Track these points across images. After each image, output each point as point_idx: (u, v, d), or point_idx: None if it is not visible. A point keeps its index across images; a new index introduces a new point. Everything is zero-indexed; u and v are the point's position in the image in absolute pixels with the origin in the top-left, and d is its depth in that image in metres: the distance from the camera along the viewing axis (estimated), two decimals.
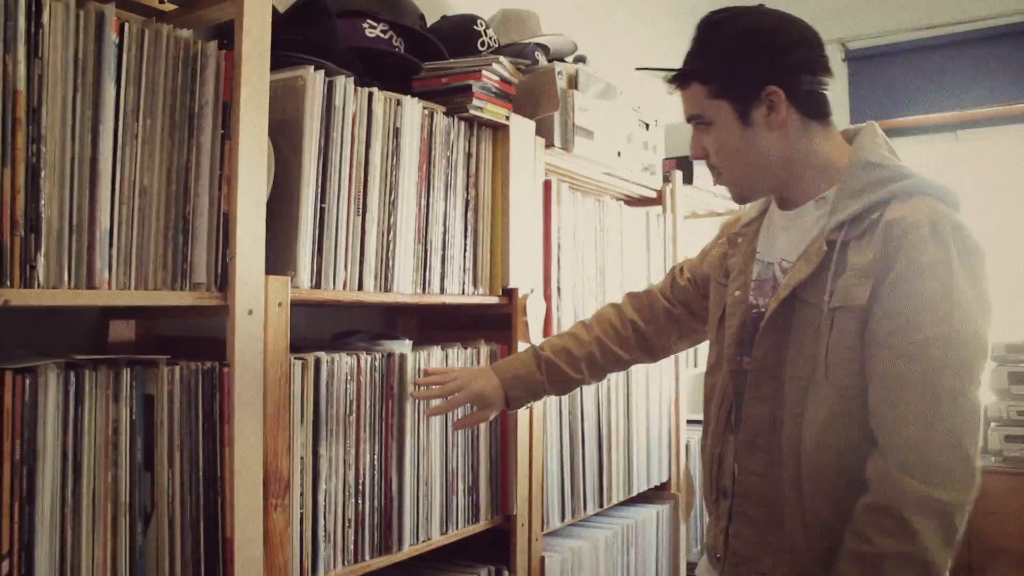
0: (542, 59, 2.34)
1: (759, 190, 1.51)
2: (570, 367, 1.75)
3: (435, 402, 1.71)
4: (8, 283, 1.08)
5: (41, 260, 1.11)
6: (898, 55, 4.25)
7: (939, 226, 1.28)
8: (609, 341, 1.79)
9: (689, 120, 1.49)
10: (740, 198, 1.55)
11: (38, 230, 1.11)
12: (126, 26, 1.22)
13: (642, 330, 1.81)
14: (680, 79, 1.47)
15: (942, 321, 1.25)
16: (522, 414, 1.95)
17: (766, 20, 1.42)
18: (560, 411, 2.14)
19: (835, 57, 4.42)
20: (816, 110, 1.41)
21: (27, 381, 1.10)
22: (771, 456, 1.40)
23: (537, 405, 1.99)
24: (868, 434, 1.30)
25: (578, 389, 2.04)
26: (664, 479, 2.69)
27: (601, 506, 2.32)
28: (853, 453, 1.30)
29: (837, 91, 4.22)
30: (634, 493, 2.49)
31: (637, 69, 1.62)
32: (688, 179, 2.93)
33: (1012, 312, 3.98)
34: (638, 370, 2.51)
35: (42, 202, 1.12)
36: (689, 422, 3.06)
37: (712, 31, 1.44)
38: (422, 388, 1.69)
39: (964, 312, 1.25)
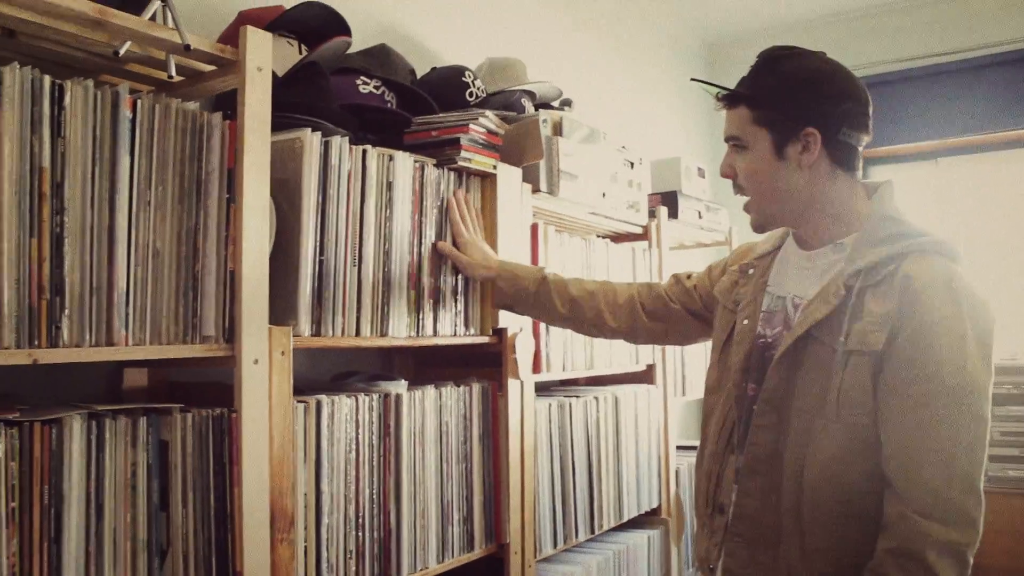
0: (528, 105, 2.46)
1: (777, 221, 1.60)
2: (559, 299, 1.94)
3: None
4: (36, 343, 1.19)
5: (65, 321, 1.22)
6: (880, 85, 4.37)
7: (953, 284, 1.39)
8: (603, 303, 1.95)
9: (727, 140, 1.59)
10: (758, 226, 1.62)
11: (62, 293, 1.22)
12: (138, 102, 1.33)
13: (638, 311, 1.94)
14: (731, 99, 1.57)
15: (956, 373, 1.34)
16: (513, 444, 2.05)
17: (823, 67, 1.52)
18: (551, 440, 2.24)
19: None
20: (845, 160, 1.52)
21: (53, 431, 1.21)
22: (770, 482, 1.48)
23: (528, 435, 2.10)
24: (874, 470, 1.38)
25: (568, 419, 2.25)
26: (655, 504, 2.79)
27: (592, 532, 2.41)
28: (856, 488, 1.39)
29: None
30: (625, 519, 2.59)
31: (692, 80, 1.73)
32: (673, 213, 3.04)
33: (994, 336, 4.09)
34: (627, 398, 2.62)
35: (65, 268, 1.23)
36: (679, 448, 3.16)
37: (772, 63, 1.55)
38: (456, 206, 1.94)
39: (974, 365, 1.35)
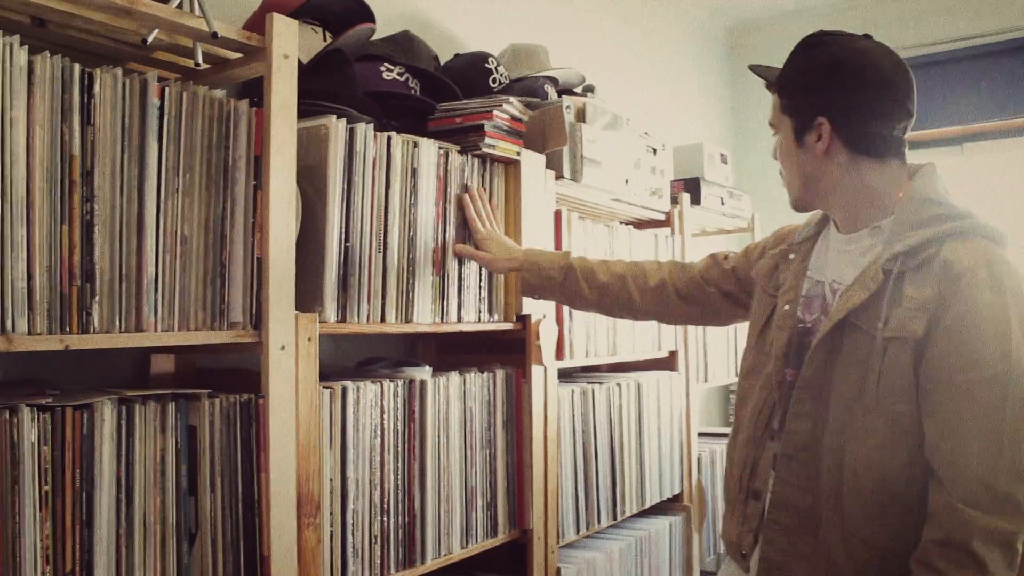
0: (551, 92, 2.45)
1: (809, 204, 1.60)
2: (587, 285, 1.93)
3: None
4: (68, 329, 1.20)
5: (96, 307, 1.24)
6: None
7: (995, 269, 1.36)
8: (633, 287, 1.93)
9: (771, 124, 1.62)
10: (794, 206, 1.62)
11: (92, 280, 1.24)
12: (166, 90, 1.34)
13: (670, 294, 1.92)
14: (770, 86, 1.60)
15: (1000, 360, 1.32)
16: (537, 430, 2.06)
17: (848, 55, 1.48)
18: (574, 427, 2.25)
19: None
20: (870, 148, 1.48)
21: (84, 416, 1.22)
22: (809, 470, 1.46)
23: (551, 422, 2.10)
24: (915, 458, 1.37)
25: (591, 405, 2.27)
26: (676, 491, 2.79)
27: (615, 518, 2.42)
28: (898, 476, 1.38)
29: None
30: (647, 505, 2.59)
31: (750, 67, 1.69)
32: (696, 200, 3.03)
33: None
34: (649, 385, 2.62)
35: (95, 254, 1.24)
36: (701, 434, 3.16)
37: (801, 51, 1.54)
38: (470, 201, 1.92)
39: (1019, 352, 1.32)
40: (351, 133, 1.65)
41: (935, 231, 1.41)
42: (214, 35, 1.37)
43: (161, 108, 1.33)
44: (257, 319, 1.44)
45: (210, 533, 1.37)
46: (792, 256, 1.66)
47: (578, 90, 2.67)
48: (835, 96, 1.47)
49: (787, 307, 1.59)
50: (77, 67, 1.23)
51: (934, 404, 1.35)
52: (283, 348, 1.45)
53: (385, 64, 2.01)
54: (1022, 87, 4.06)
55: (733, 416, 1.70)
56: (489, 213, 1.96)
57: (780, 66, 1.59)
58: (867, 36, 1.53)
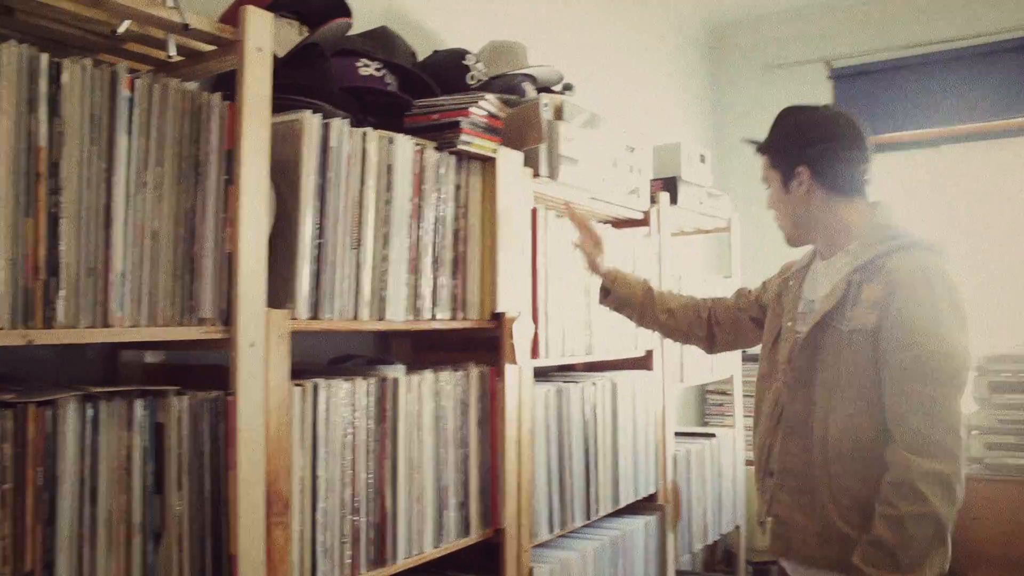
0: (530, 89, 2.44)
1: (800, 239, 1.99)
2: (660, 309, 2.31)
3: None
4: (31, 324, 1.18)
5: (61, 302, 1.22)
6: (881, 73, 4.36)
7: (928, 270, 1.74)
8: (693, 316, 2.32)
9: (763, 180, 2.02)
10: (788, 242, 2.02)
11: (58, 274, 1.22)
12: (137, 82, 1.32)
13: (714, 325, 2.31)
14: (759, 151, 2.02)
15: (933, 340, 1.70)
16: (511, 429, 2.05)
17: (816, 118, 1.94)
18: (548, 426, 2.24)
19: (820, 75, 4.53)
20: (839, 187, 1.89)
21: (48, 413, 1.20)
22: (805, 442, 1.84)
23: (525, 421, 2.10)
24: (879, 423, 1.74)
25: (566, 404, 2.32)
26: (652, 491, 2.79)
27: (589, 518, 2.42)
28: (868, 437, 1.75)
29: None
30: (621, 505, 2.59)
31: (743, 140, 2.15)
32: (674, 200, 3.03)
33: (993, 324, 4.09)
34: (624, 384, 2.62)
35: (61, 248, 1.22)
36: (677, 434, 3.16)
37: (781, 118, 2.00)
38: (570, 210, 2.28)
39: (947, 332, 1.71)
40: (326, 128, 1.63)
41: (885, 247, 1.81)
42: (186, 27, 1.35)
43: (131, 100, 1.32)
44: (227, 315, 1.42)
45: (176, 532, 1.35)
46: (792, 283, 2.05)
47: (557, 88, 2.66)
48: (809, 150, 1.89)
49: (790, 323, 1.97)
50: (45, 57, 1.21)
51: (886, 378, 1.73)
52: (253, 345, 1.43)
53: (362, 59, 1.99)
54: (999, 90, 4.09)
55: (753, 413, 2.11)
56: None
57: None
58: (827, 106, 2.01)
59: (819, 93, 4.53)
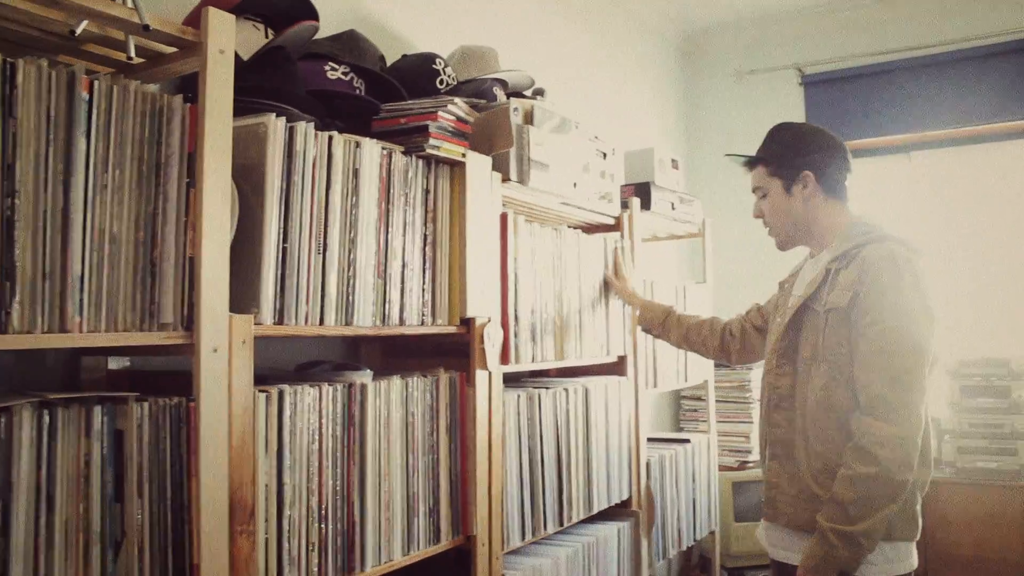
0: (500, 94, 2.43)
1: (793, 240, 2.21)
2: (676, 329, 2.67)
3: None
4: None
5: (16, 307, 1.19)
6: (852, 79, 4.39)
7: (895, 258, 1.93)
8: (708, 333, 2.61)
9: (754, 191, 2.23)
10: (780, 246, 2.25)
11: (12, 278, 1.19)
12: (96, 83, 1.30)
13: (727, 339, 2.57)
14: (751, 162, 2.24)
15: (897, 316, 1.89)
16: (481, 435, 2.04)
17: (808, 131, 2.21)
18: (519, 432, 2.23)
19: (792, 82, 4.56)
20: (833, 190, 2.13)
21: (2, 420, 1.18)
22: (789, 414, 2.06)
23: (496, 427, 2.09)
24: (848, 392, 1.94)
25: (537, 410, 2.31)
26: (625, 496, 2.78)
27: (561, 524, 2.40)
28: (841, 406, 1.94)
29: (795, 114, 4.37)
30: (594, 511, 2.58)
31: (726, 155, 2.52)
32: (646, 205, 3.03)
33: (963, 328, 4.12)
34: (597, 390, 2.61)
35: (16, 252, 1.20)
36: (650, 440, 3.15)
37: (775, 132, 2.23)
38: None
39: (912, 311, 1.90)
40: (291, 132, 1.62)
41: (861, 240, 2.02)
42: (146, 28, 1.33)
43: (90, 102, 1.29)
44: (189, 320, 1.40)
45: (136, 541, 1.32)
46: (785, 286, 2.29)
47: (528, 93, 2.66)
48: (811, 156, 2.13)
49: (779, 319, 2.19)
50: None
51: (857, 351, 1.92)
52: (216, 350, 1.41)
53: (329, 63, 1.98)
54: (967, 98, 4.13)
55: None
56: (630, 264, 2.85)
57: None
58: (808, 123, 2.31)
59: (790, 99, 4.56)
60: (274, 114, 1.60)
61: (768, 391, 2.14)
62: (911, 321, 1.89)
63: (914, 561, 1.99)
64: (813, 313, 2.02)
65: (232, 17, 1.46)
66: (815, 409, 1.98)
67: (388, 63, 2.29)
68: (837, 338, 1.96)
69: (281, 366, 2.00)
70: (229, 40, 1.45)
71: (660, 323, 2.69)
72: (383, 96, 2.04)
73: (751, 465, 4.10)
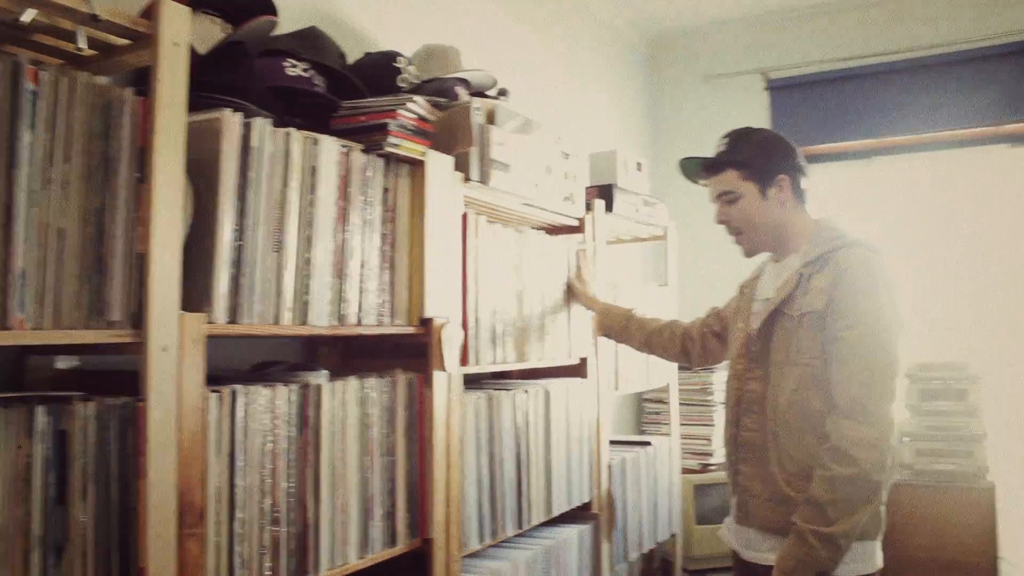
0: (463, 93, 2.41)
1: (762, 247, 2.22)
2: (638, 334, 2.70)
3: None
4: None
5: None
6: (817, 84, 4.42)
7: (869, 263, 1.98)
8: (668, 337, 2.65)
9: (719, 196, 2.20)
10: (748, 253, 2.25)
11: None
12: (42, 74, 1.26)
13: (687, 342, 2.60)
14: (718, 167, 2.20)
15: (872, 321, 1.93)
16: (439, 437, 2.02)
17: (775, 135, 2.24)
18: (478, 434, 2.21)
19: (757, 86, 4.58)
20: (801, 195, 2.18)
21: None
22: (760, 417, 2.07)
23: (455, 429, 2.07)
24: (823, 397, 1.96)
25: (497, 412, 2.30)
26: (586, 499, 2.77)
27: (521, 527, 2.38)
28: (811, 409, 1.97)
29: (761, 119, 4.39)
30: (555, 514, 2.57)
31: (682, 160, 2.36)
32: (610, 207, 3.02)
33: (923, 332, 4.16)
34: (558, 392, 2.60)
35: None
36: (612, 442, 3.15)
37: (743, 137, 2.20)
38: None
39: (885, 316, 1.94)
40: (247, 127, 1.59)
41: (832, 244, 2.05)
42: (95, 17, 1.30)
43: (35, 93, 1.26)
44: (138, 318, 1.37)
45: (80, 545, 1.29)
46: (745, 291, 2.31)
47: (491, 93, 2.64)
48: (787, 160, 2.16)
49: (741, 324, 2.23)
50: None
51: (832, 353, 1.96)
52: (165, 349, 1.38)
53: (289, 59, 1.95)
54: (928, 104, 4.17)
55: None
56: (591, 270, 2.80)
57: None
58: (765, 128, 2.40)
59: (755, 103, 4.58)
60: (230, 109, 1.57)
61: (736, 395, 2.16)
62: (885, 326, 1.94)
63: (879, 560, 2.03)
64: (786, 317, 2.04)
65: (187, 9, 1.42)
66: (787, 412, 2.01)
67: (350, 61, 2.27)
68: (811, 342, 1.99)
69: (237, 366, 1.96)
70: (184, 33, 1.42)
71: (621, 328, 2.71)
72: (344, 94, 2.02)
73: (713, 468, 4.10)
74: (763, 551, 2.06)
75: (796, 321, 2.02)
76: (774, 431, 2.03)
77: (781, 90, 4.51)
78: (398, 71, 2.23)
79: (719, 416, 4.16)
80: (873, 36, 4.32)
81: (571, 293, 2.74)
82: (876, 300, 1.95)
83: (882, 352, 1.93)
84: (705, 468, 4.10)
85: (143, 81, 1.49)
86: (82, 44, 1.38)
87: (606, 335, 2.80)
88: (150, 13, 1.41)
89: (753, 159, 2.16)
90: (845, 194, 4.52)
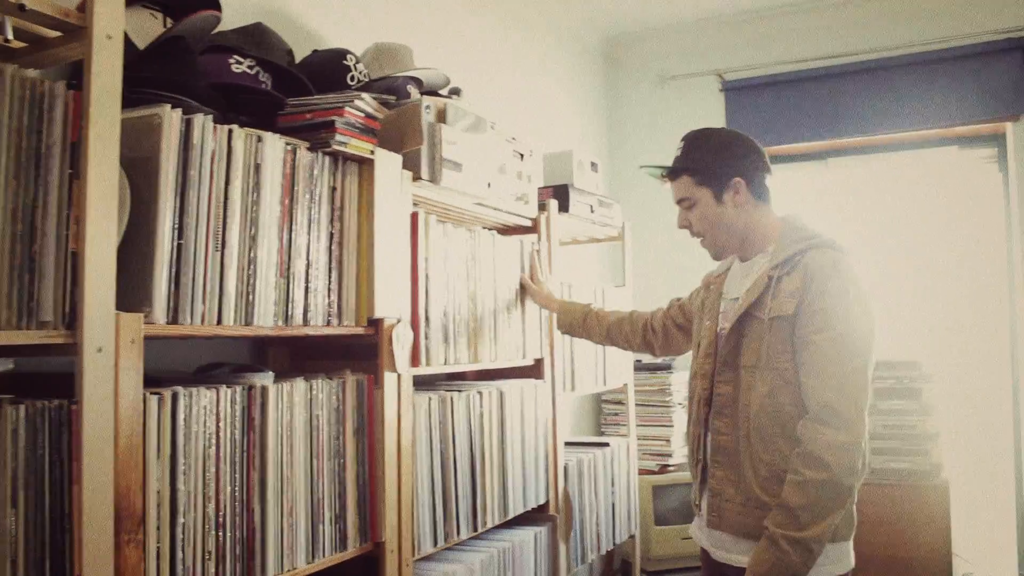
0: (415, 92, 2.39)
1: (728, 249, 2.20)
2: (599, 327, 2.70)
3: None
4: None
5: None
6: (771, 86, 4.44)
7: (838, 266, 1.96)
8: (628, 329, 2.66)
9: (679, 202, 2.20)
10: (715, 256, 2.24)
11: None
12: None
13: (649, 332, 2.62)
14: (674, 173, 2.19)
15: (842, 324, 1.90)
16: (390, 439, 1.99)
17: (731, 136, 2.19)
18: (431, 436, 2.18)
19: (712, 88, 4.60)
20: (762, 194, 2.14)
21: None
22: (732, 420, 2.05)
23: (406, 430, 2.04)
24: (795, 400, 1.94)
25: (450, 413, 2.28)
26: (542, 501, 2.75)
27: (475, 530, 2.36)
28: (785, 412, 1.95)
29: (716, 120, 4.41)
30: (510, 516, 2.54)
31: (641, 167, 2.34)
32: (564, 207, 3.01)
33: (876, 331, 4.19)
34: (512, 393, 2.58)
35: None
36: (568, 444, 3.13)
37: (697, 140, 2.18)
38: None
39: (855, 317, 1.92)
40: (187, 124, 1.55)
41: (800, 246, 2.02)
42: (21, 7, 1.26)
43: None
44: (71, 319, 1.33)
45: (10, 553, 1.24)
46: (712, 287, 2.29)
47: (444, 92, 2.62)
48: (741, 161, 2.12)
49: (708, 322, 2.20)
50: None
51: (803, 357, 1.93)
52: (100, 350, 1.34)
53: (235, 56, 1.92)
54: (882, 106, 4.21)
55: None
56: (546, 268, 2.82)
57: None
58: (725, 128, 2.35)
59: (711, 105, 4.60)
60: (169, 105, 1.53)
61: (704, 394, 2.14)
62: (856, 328, 1.91)
63: (851, 560, 2.03)
64: (756, 320, 2.02)
65: (121, 1, 1.39)
66: (760, 416, 1.98)
67: (298, 59, 2.24)
68: (782, 345, 1.96)
69: (181, 369, 1.92)
70: (117, 25, 1.38)
71: (580, 323, 2.70)
72: (292, 92, 1.99)
73: (672, 469, 4.11)
74: (736, 553, 2.04)
75: (766, 325, 1.99)
76: (746, 435, 2.01)
77: (736, 91, 4.53)
78: (348, 69, 2.20)
79: (678, 417, 4.16)
80: (828, 39, 4.35)
81: (527, 293, 2.73)
82: (846, 302, 1.92)
83: (854, 354, 1.90)
84: (664, 469, 4.10)
85: (75, 77, 1.46)
86: (8, 34, 1.35)
87: (567, 332, 2.79)
88: (84, 5, 1.38)
89: (705, 164, 2.14)
90: (800, 195, 4.56)
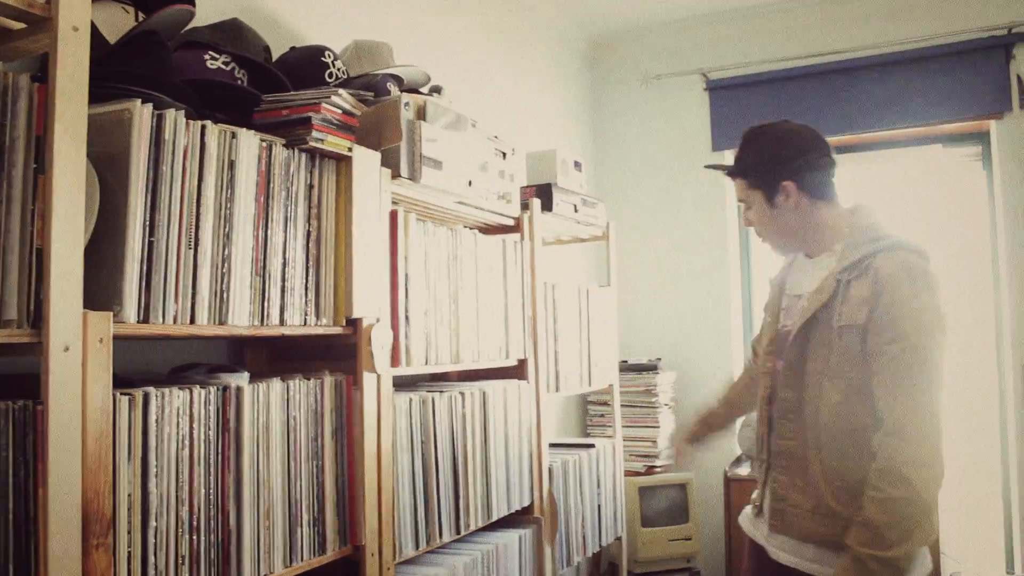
0: (394, 90, 2.36)
1: (789, 249, 2.19)
2: (732, 409, 2.61)
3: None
4: None
5: None
6: (755, 85, 4.43)
7: (912, 271, 1.90)
8: (744, 389, 2.55)
9: (739, 201, 2.18)
10: (779, 253, 2.22)
11: None
12: None
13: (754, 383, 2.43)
14: (732, 174, 2.17)
15: (916, 334, 1.85)
16: (369, 440, 1.96)
17: (785, 134, 2.11)
18: (412, 437, 2.15)
19: (697, 87, 4.59)
20: (820, 193, 2.07)
21: None
22: (797, 426, 2.01)
23: (385, 432, 2.01)
24: (867, 410, 1.90)
25: (431, 414, 2.25)
26: (526, 503, 2.72)
27: (458, 532, 2.33)
28: (856, 421, 1.91)
29: (700, 119, 4.40)
30: (494, 518, 2.51)
31: (706, 167, 2.51)
32: (548, 206, 2.98)
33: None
34: (495, 394, 2.55)
35: None
36: (552, 445, 3.11)
37: (749, 141, 2.15)
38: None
39: (929, 328, 1.86)
40: (159, 119, 1.52)
41: (871, 248, 1.95)
42: None
43: None
44: (36, 317, 1.29)
45: None
46: (774, 284, 2.26)
47: (424, 90, 2.59)
48: (791, 163, 2.05)
49: (769, 319, 2.20)
50: None
51: (876, 368, 1.88)
52: (67, 349, 1.31)
53: (210, 52, 1.89)
54: (867, 104, 4.20)
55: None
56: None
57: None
58: (785, 120, 2.15)
59: (695, 104, 4.59)
60: (139, 100, 1.50)
61: (768, 392, 2.11)
62: (929, 336, 1.86)
63: (930, 563, 1.97)
64: (824, 326, 1.97)
65: None
66: (830, 425, 1.94)
67: (275, 55, 2.20)
68: (853, 355, 1.92)
69: (156, 369, 1.89)
70: (84, 17, 1.35)
71: (726, 420, 2.62)
72: (269, 90, 1.96)
73: (659, 470, 4.09)
74: (807, 559, 1.99)
75: (836, 332, 1.94)
76: (815, 442, 1.96)
77: (721, 90, 4.51)
78: (326, 66, 2.18)
79: (664, 418, 4.14)
80: (811, 38, 4.34)
81: (706, 431, 2.63)
82: (919, 309, 1.86)
83: (928, 364, 1.85)
84: (650, 470, 4.08)
85: (41, 70, 1.43)
86: None
87: (720, 432, 2.66)
88: None
89: (755, 168, 2.10)
90: None
